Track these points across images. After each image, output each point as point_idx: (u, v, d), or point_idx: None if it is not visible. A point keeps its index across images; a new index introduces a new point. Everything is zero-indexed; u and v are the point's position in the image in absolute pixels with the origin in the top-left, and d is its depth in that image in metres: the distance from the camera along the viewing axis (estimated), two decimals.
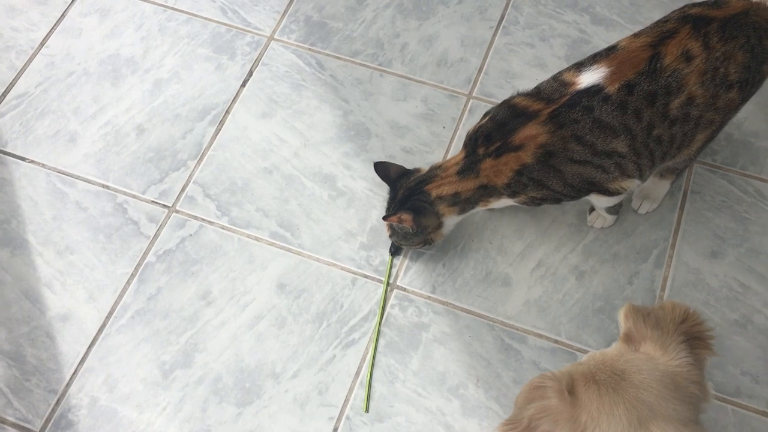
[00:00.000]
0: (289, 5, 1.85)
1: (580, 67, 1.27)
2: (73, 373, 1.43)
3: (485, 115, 1.36)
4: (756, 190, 1.56)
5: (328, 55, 1.78)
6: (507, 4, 1.83)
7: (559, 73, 1.31)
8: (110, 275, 1.52)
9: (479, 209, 1.39)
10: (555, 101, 1.26)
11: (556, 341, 1.43)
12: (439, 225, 1.40)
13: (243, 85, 1.75)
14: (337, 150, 1.65)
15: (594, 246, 1.52)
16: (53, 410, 1.40)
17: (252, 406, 1.39)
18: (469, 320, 1.46)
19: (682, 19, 1.24)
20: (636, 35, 1.27)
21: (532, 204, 1.36)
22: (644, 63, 1.22)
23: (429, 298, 1.48)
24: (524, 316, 1.46)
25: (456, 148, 1.64)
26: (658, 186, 1.51)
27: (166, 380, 1.42)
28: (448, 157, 1.45)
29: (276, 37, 1.81)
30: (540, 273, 1.50)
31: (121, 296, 1.50)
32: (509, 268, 1.51)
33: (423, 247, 1.46)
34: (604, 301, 1.46)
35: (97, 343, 1.46)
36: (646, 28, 1.28)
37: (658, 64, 1.21)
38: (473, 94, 1.71)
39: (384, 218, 1.39)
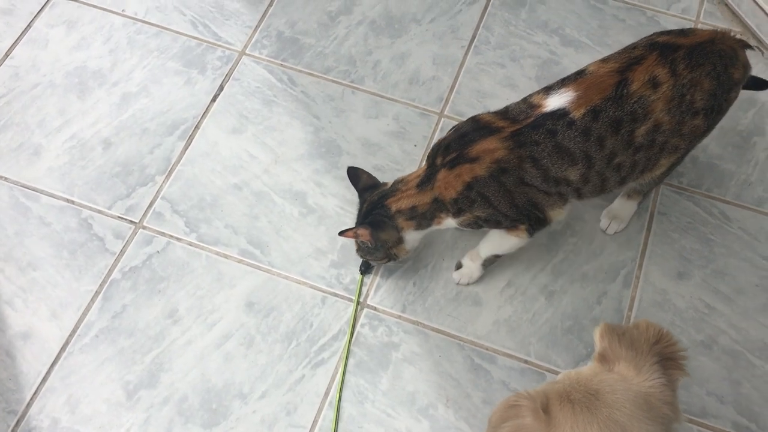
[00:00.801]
0: (261, 20, 1.84)
1: (548, 90, 1.28)
2: (34, 393, 1.39)
3: (451, 129, 1.36)
4: (720, 212, 1.59)
5: (299, 71, 1.77)
6: (478, 24, 1.84)
7: (529, 95, 1.32)
8: (74, 292, 1.49)
9: (434, 227, 1.38)
10: (520, 121, 1.26)
11: (525, 361, 1.43)
12: (400, 240, 1.39)
13: (213, 99, 1.73)
14: (308, 167, 1.64)
15: (563, 266, 1.53)
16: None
17: (218, 428, 1.36)
18: (439, 340, 1.45)
19: (650, 46, 1.26)
20: (604, 60, 1.28)
21: (474, 226, 1.35)
22: (611, 89, 1.22)
23: (399, 317, 1.48)
24: (494, 336, 1.46)
25: None
26: (625, 207, 1.53)
27: (130, 401, 1.39)
28: (416, 170, 1.44)
29: (247, 52, 1.80)
30: (510, 293, 1.51)
31: (84, 314, 1.47)
32: (479, 288, 1.51)
33: (388, 262, 1.46)
34: (573, 321, 1.47)
35: (60, 362, 1.42)
36: (615, 53, 1.29)
37: (625, 90, 1.22)
38: (445, 113, 1.72)
39: (340, 233, 1.38)
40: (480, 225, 1.34)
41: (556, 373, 1.42)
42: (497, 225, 1.34)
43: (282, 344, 1.44)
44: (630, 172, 1.30)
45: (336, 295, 1.50)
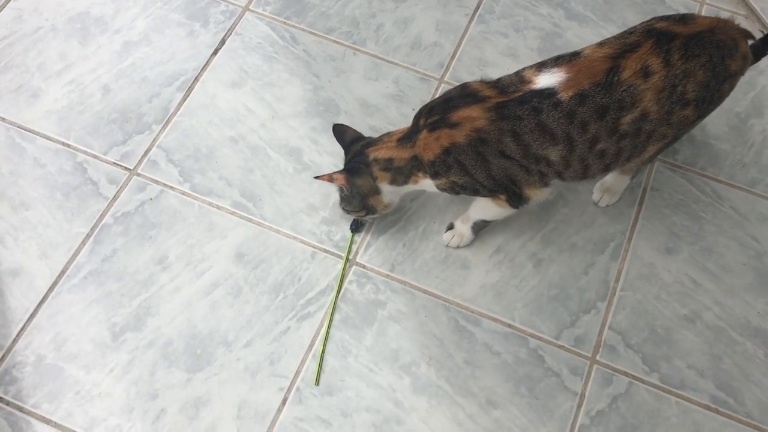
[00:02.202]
0: None
1: (541, 66, 1.27)
2: (21, 330, 1.40)
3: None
4: (713, 190, 1.59)
5: (302, 29, 1.77)
6: None
7: (522, 69, 1.31)
8: (65, 234, 1.50)
9: (411, 186, 1.39)
10: (508, 94, 1.25)
11: (509, 325, 1.44)
12: (375, 189, 1.39)
13: (214, 53, 1.73)
14: (305, 124, 1.65)
15: (553, 235, 1.54)
16: None
17: (202, 373, 1.38)
18: (426, 300, 1.46)
19: (647, 32, 1.23)
20: (600, 44, 1.26)
21: (450, 191, 1.36)
22: (602, 74, 1.21)
23: (387, 276, 1.49)
24: (480, 300, 1.47)
25: None
26: (618, 181, 1.53)
27: (115, 342, 1.40)
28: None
29: (251, 8, 1.80)
30: (498, 258, 1.51)
31: (75, 255, 1.48)
32: (468, 252, 1.52)
33: (366, 216, 1.46)
34: (559, 290, 1.48)
35: (47, 300, 1.43)
36: (612, 38, 1.27)
37: (615, 78, 1.20)
38: (445, 79, 1.72)
39: (315, 177, 1.40)
40: (457, 191, 1.35)
41: (540, 339, 1.43)
42: (475, 193, 1.35)
43: (269, 296, 1.45)
44: (614, 160, 1.29)
45: (326, 251, 1.51)
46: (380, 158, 1.36)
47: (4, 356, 1.38)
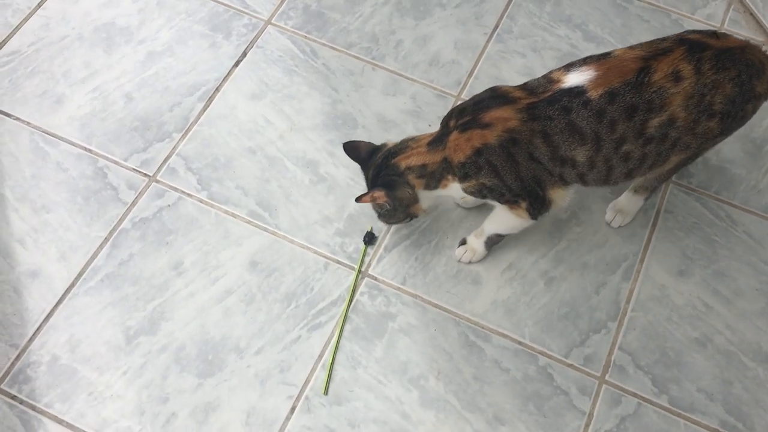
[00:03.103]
0: None
1: (569, 66, 1.29)
2: (37, 330, 1.43)
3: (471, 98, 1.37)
4: (727, 215, 1.59)
5: (323, 44, 1.80)
6: (503, 13, 1.86)
7: (550, 71, 1.33)
8: (84, 237, 1.52)
9: (440, 190, 1.38)
10: (537, 95, 1.27)
11: (519, 342, 1.45)
12: (415, 198, 1.39)
13: (236, 65, 1.76)
14: (322, 137, 1.67)
15: (565, 254, 1.55)
16: (12, 364, 1.39)
17: (213, 378, 1.39)
18: (436, 314, 1.47)
19: (680, 40, 1.26)
20: (632, 47, 1.28)
21: (478, 194, 1.35)
22: (632, 74, 1.22)
23: (399, 289, 1.50)
24: (490, 315, 1.47)
25: None
26: (631, 201, 1.54)
27: (129, 345, 1.42)
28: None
29: (273, 21, 1.83)
30: (510, 275, 1.52)
31: (92, 259, 1.50)
32: (480, 267, 1.52)
33: (410, 221, 1.48)
34: (570, 308, 1.48)
35: (64, 302, 1.45)
36: (643, 42, 1.29)
37: (646, 78, 1.22)
38: (461, 96, 1.74)
39: (357, 199, 1.38)
40: (483, 194, 1.35)
41: (549, 357, 1.43)
42: (500, 197, 1.35)
43: (281, 304, 1.47)
44: (638, 165, 1.30)
45: (339, 262, 1.52)
46: (414, 165, 1.35)
47: (19, 355, 1.40)
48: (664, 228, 1.58)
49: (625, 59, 1.25)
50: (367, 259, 1.53)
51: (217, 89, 1.72)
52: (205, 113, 1.69)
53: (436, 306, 1.48)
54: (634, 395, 1.40)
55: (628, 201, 1.54)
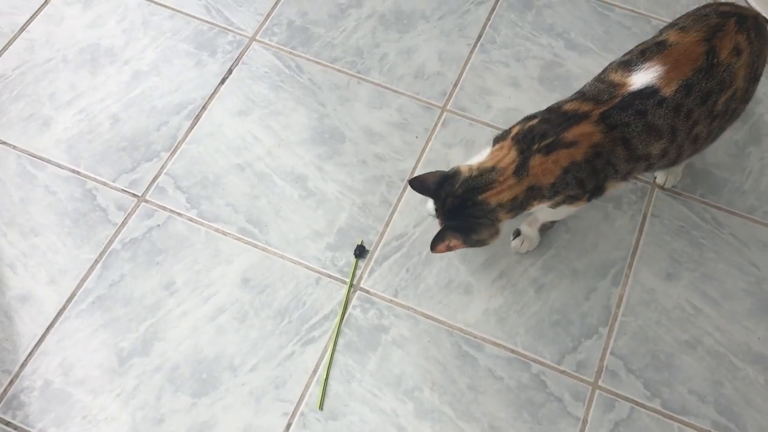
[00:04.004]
0: (273, 8, 1.88)
1: (628, 66, 1.26)
2: (29, 355, 1.42)
3: (528, 118, 1.33)
4: (713, 218, 1.61)
5: (308, 59, 1.81)
6: (485, 24, 1.88)
7: (603, 73, 1.31)
8: (74, 260, 1.52)
9: (524, 213, 1.33)
10: (604, 102, 1.24)
11: (512, 351, 1.46)
12: (496, 232, 1.33)
13: (222, 82, 1.77)
14: (310, 151, 1.68)
15: (554, 261, 1.56)
16: (5, 390, 1.38)
17: (207, 397, 1.39)
18: (429, 325, 1.48)
19: (722, 14, 1.26)
20: (681, 29, 1.26)
21: (561, 203, 1.32)
22: (701, 58, 1.22)
23: (391, 301, 1.50)
24: (483, 325, 1.48)
25: (428, 158, 1.67)
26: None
27: (122, 367, 1.41)
28: (491, 156, 1.32)
29: (258, 38, 1.84)
30: (501, 284, 1.53)
31: (83, 281, 1.50)
32: (471, 277, 1.53)
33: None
34: (561, 315, 1.50)
35: (56, 326, 1.45)
36: (683, 19, 1.29)
37: (715, 60, 1.22)
38: (447, 107, 1.75)
39: (432, 250, 1.31)
40: (564, 203, 1.32)
41: (542, 364, 1.44)
42: (576, 201, 1.32)
43: (274, 320, 1.47)
44: (704, 142, 1.33)
45: (330, 276, 1.53)
46: (505, 201, 1.27)
47: (12, 381, 1.40)
48: (652, 232, 1.59)
49: (688, 45, 1.23)
50: (358, 273, 1.53)
51: (204, 107, 1.73)
52: (193, 131, 1.69)
53: (428, 317, 1.49)
54: (627, 400, 1.41)
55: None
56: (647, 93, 1.23)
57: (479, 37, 1.86)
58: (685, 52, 1.23)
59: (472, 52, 1.84)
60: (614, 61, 1.34)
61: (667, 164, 1.35)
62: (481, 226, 1.29)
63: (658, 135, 1.26)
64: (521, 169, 1.26)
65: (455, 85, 1.78)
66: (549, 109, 1.32)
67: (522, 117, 1.37)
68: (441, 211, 1.33)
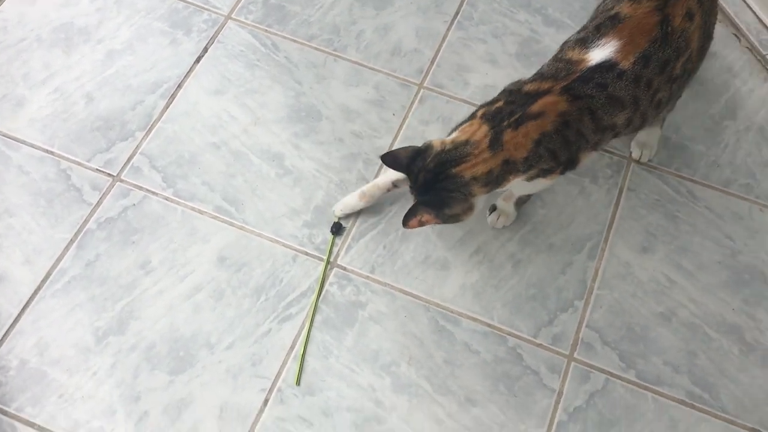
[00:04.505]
0: None
1: (584, 43, 1.27)
2: (4, 335, 1.42)
3: (491, 102, 1.32)
4: (688, 191, 1.62)
5: (284, 37, 1.80)
6: (462, 0, 1.87)
7: (560, 52, 1.32)
8: (49, 240, 1.51)
9: (499, 189, 1.32)
10: (564, 78, 1.25)
11: (489, 325, 1.46)
12: (471, 207, 1.30)
13: (197, 61, 1.75)
14: (286, 129, 1.67)
15: (531, 236, 1.56)
16: None
17: (184, 375, 1.39)
18: (406, 301, 1.48)
19: None
20: (633, 2, 1.27)
21: (534, 178, 1.31)
22: (656, 29, 1.23)
23: (368, 278, 1.51)
24: (460, 300, 1.49)
25: (405, 135, 1.67)
26: (651, 134, 1.58)
27: (98, 346, 1.41)
28: (462, 131, 1.30)
29: (233, 16, 1.82)
30: (478, 259, 1.53)
31: (58, 261, 1.49)
32: (448, 253, 1.54)
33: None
34: (537, 289, 1.50)
35: (31, 306, 1.45)
36: None
37: (669, 28, 1.23)
38: (424, 84, 1.74)
39: (404, 224, 1.29)
40: (538, 176, 1.31)
41: (518, 338, 1.45)
42: (549, 174, 1.32)
43: (251, 298, 1.47)
44: (665, 105, 1.35)
45: (307, 254, 1.52)
46: (480, 174, 1.26)
47: None
48: (627, 206, 1.60)
49: (641, 17, 1.24)
50: (335, 250, 1.53)
51: (179, 86, 1.72)
52: (168, 110, 1.68)
53: (405, 293, 1.49)
54: (602, 371, 1.42)
55: (648, 134, 1.58)
56: (606, 67, 1.24)
57: (456, 13, 1.85)
58: (639, 24, 1.24)
59: (449, 28, 1.83)
60: (570, 39, 1.35)
61: (633, 131, 1.38)
62: (454, 201, 1.28)
63: (621, 106, 1.27)
64: (495, 143, 1.26)
65: (432, 62, 1.78)
66: (510, 92, 1.31)
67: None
68: (414, 187, 1.32)
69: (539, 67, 1.36)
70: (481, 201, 1.34)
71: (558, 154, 1.29)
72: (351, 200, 1.54)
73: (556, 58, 1.31)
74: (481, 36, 1.82)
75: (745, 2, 1.82)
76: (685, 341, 1.45)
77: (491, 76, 1.76)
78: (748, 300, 1.49)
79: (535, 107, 1.25)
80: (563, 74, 1.26)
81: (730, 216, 1.59)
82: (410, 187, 1.35)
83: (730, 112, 1.72)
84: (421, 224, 1.31)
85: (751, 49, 1.79)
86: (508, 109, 1.27)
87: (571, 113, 1.25)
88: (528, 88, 1.29)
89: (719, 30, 1.81)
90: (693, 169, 1.64)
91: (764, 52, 1.77)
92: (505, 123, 1.26)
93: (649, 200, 1.61)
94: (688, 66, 1.31)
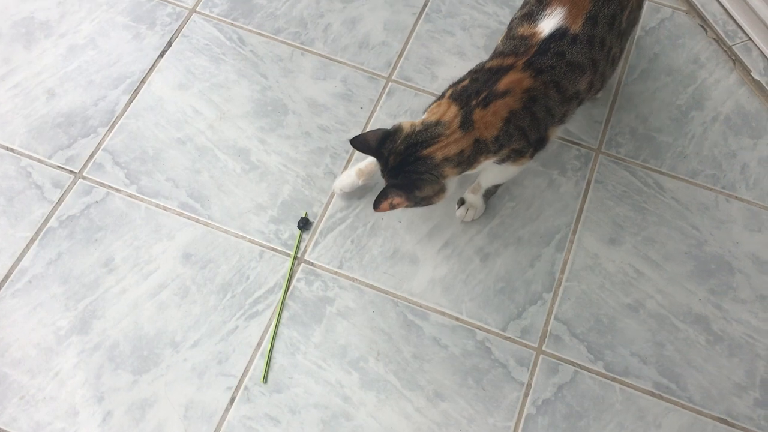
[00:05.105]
0: None
1: (530, 17, 1.29)
2: None
3: (457, 82, 1.32)
4: (656, 182, 1.62)
5: (250, 31, 1.77)
6: None
7: (510, 30, 1.33)
8: (9, 239, 1.48)
9: (469, 172, 1.31)
10: (523, 53, 1.27)
11: (457, 319, 1.46)
12: (442, 189, 1.29)
13: (161, 55, 1.73)
14: (252, 124, 1.65)
15: (499, 230, 1.56)
16: None
17: (148, 374, 1.37)
18: (374, 296, 1.47)
19: None
20: None
21: (506, 160, 1.31)
22: None
23: (336, 273, 1.49)
24: (428, 294, 1.48)
25: (374, 128, 1.65)
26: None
27: (60, 346, 1.39)
28: (431, 112, 1.30)
29: (198, 9, 1.80)
30: (446, 253, 1.53)
31: (19, 260, 1.46)
32: (417, 247, 1.53)
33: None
34: (506, 282, 1.50)
35: None
36: None
37: None
38: (393, 78, 1.73)
39: (375, 209, 1.27)
40: (509, 158, 1.31)
41: (487, 331, 1.45)
42: (520, 155, 1.31)
43: (217, 295, 1.45)
44: (618, 57, 1.37)
45: (274, 249, 1.51)
46: (451, 155, 1.24)
47: None
48: (595, 198, 1.60)
49: None
50: (302, 245, 1.52)
51: (143, 81, 1.69)
52: (131, 106, 1.65)
53: (373, 288, 1.48)
54: (571, 363, 1.42)
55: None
56: (558, 35, 1.26)
57: (424, 6, 1.84)
58: None
59: (417, 21, 1.82)
60: (515, 16, 1.37)
61: (594, 93, 1.40)
62: (425, 182, 1.26)
63: (581, 70, 1.29)
64: (466, 122, 1.25)
65: (400, 55, 1.76)
66: (473, 71, 1.32)
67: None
68: (384, 170, 1.30)
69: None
70: (453, 183, 1.32)
71: (528, 133, 1.29)
72: (349, 179, 1.51)
73: (509, 36, 1.33)
74: (449, 28, 1.81)
75: None
76: (652, 332, 1.46)
77: (459, 69, 1.74)
78: (714, 290, 1.50)
79: (501, 85, 1.25)
80: (522, 50, 1.27)
81: (696, 206, 1.59)
82: (381, 171, 1.33)
83: (696, 103, 1.72)
84: (392, 207, 1.29)
85: (718, 39, 1.80)
86: (474, 87, 1.27)
87: (537, 89, 1.26)
88: (491, 64, 1.30)
89: (686, 21, 1.82)
90: (660, 161, 1.65)
91: (730, 43, 1.78)
92: (474, 102, 1.25)
93: (616, 192, 1.61)
94: (632, 16, 1.34)
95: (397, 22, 1.81)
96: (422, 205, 1.32)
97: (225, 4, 1.81)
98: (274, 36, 1.77)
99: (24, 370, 1.36)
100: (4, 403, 1.33)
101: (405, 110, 1.68)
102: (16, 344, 1.38)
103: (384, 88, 1.72)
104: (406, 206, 1.31)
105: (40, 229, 1.50)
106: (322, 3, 1.83)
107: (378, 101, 1.70)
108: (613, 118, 1.69)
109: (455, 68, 1.75)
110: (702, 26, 1.83)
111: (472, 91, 1.27)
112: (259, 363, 1.39)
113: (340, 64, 1.74)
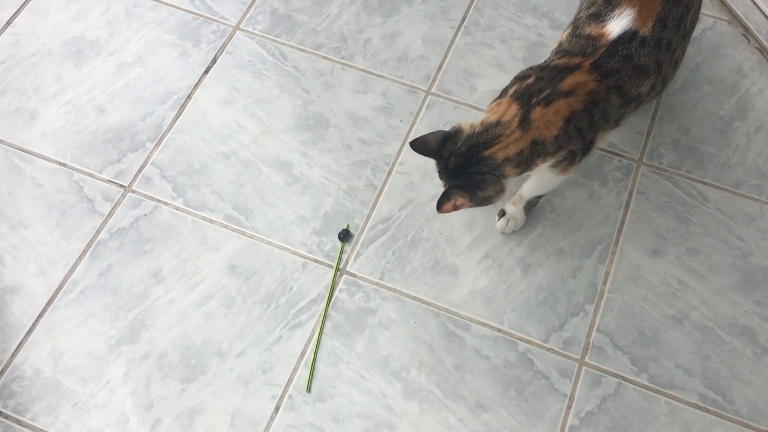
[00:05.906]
0: None
1: (598, 17, 1.29)
2: (19, 345, 1.43)
3: (522, 78, 1.32)
4: (699, 192, 1.61)
5: (291, 46, 1.81)
6: (469, 6, 1.87)
7: (576, 29, 1.33)
8: (62, 251, 1.53)
9: (528, 173, 1.32)
10: (591, 54, 1.27)
11: (498, 330, 1.46)
12: (502, 189, 1.29)
13: (206, 72, 1.77)
14: (295, 138, 1.68)
15: (540, 240, 1.56)
16: None
17: (196, 383, 1.40)
18: (416, 307, 1.49)
19: None
20: None
21: (561, 163, 1.31)
22: None
23: (377, 284, 1.51)
24: (469, 305, 1.49)
25: None
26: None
27: (111, 354, 1.43)
28: (491, 111, 1.31)
29: (241, 27, 1.84)
30: (487, 264, 1.53)
31: (71, 271, 1.51)
32: (457, 259, 1.54)
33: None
34: (547, 294, 1.50)
35: (45, 315, 1.46)
36: None
37: None
38: (432, 91, 1.75)
39: (438, 210, 1.27)
40: (564, 161, 1.31)
41: (529, 342, 1.45)
42: (573, 160, 1.32)
43: (261, 306, 1.48)
44: (679, 62, 1.38)
45: (316, 261, 1.53)
46: (512, 155, 1.25)
47: (2, 371, 1.41)
48: (637, 209, 1.59)
49: None
50: (344, 257, 1.54)
51: (189, 97, 1.73)
52: (178, 121, 1.70)
53: (414, 299, 1.49)
54: (614, 375, 1.41)
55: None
56: (628, 37, 1.26)
57: (463, 19, 1.86)
58: None
59: (456, 34, 1.84)
60: (581, 15, 1.36)
61: (654, 96, 1.38)
62: (487, 183, 1.26)
63: (646, 74, 1.29)
64: (524, 122, 1.26)
65: (439, 69, 1.78)
66: (540, 68, 1.33)
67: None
68: (444, 171, 1.30)
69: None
70: (511, 183, 1.32)
71: (585, 133, 1.29)
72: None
73: (575, 35, 1.32)
74: (488, 41, 1.82)
75: (754, 3, 1.81)
76: (697, 344, 1.44)
77: (498, 81, 1.76)
78: (760, 301, 1.48)
79: (566, 85, 1.25)
80: (589, 50, 1.28)
81: (741, 217, 1.57)
82: (439, 172, 1.33)
83: (740, 113, 1.71)
84: (455, 208, 1.28)
85: (761, 49, 1.78)
86: (538, 85, 1.28)
87: (599, 92, 1.27)
88: (558, 62, 1.30)
89: (728, 30, 1.81)
90: (703, 171, 1.63)
91: None
92: (534, 100, 1.26)
93: (659, 202, 1.60)
94: (693, 18, 1.34)
95: (435, 35, 1.83)
96: (483, 205, 1.32)
97: (267, 21, 1.85)
98: (315, 51, 1.80)
99: (77, 378, 1.40)
100: (57, 411, 1.38)
101: (444, 123, 1.70)
102: (69, 353, 1.43)
103: (423, 101, 1.73)
104: (468, 206, 1.31)
105: (91, 242, 1.54)
106: (361, 18, 1.86)
107: (418, 114, 1.72)
108: (654, 128, 1.68)
109: (494, 80, 1.76)
110: (744, 36, 1.81)
111: (535, 90, 1.27)
112: (303, 372, 1.41)
113: (380, 78, 1.77)
